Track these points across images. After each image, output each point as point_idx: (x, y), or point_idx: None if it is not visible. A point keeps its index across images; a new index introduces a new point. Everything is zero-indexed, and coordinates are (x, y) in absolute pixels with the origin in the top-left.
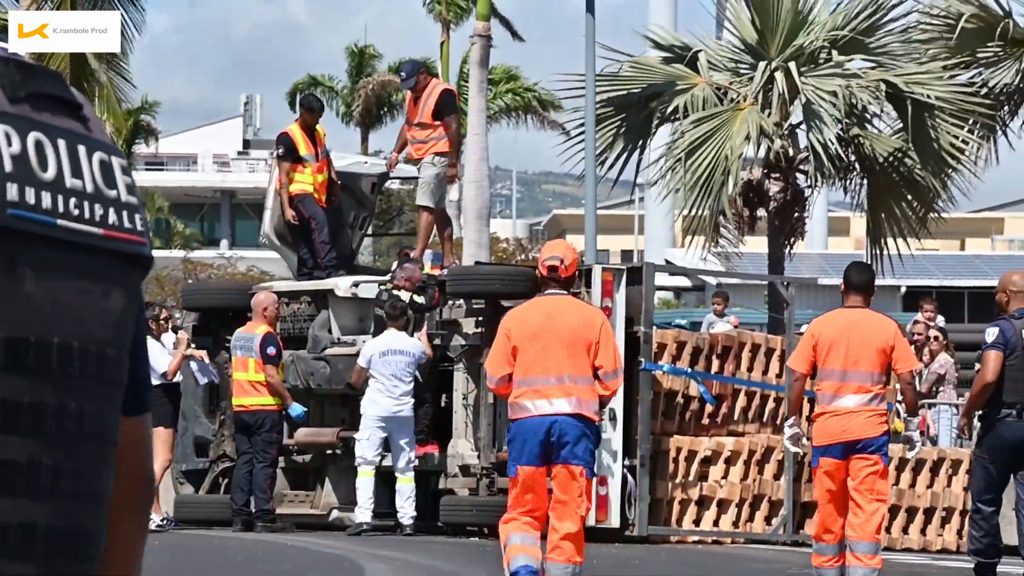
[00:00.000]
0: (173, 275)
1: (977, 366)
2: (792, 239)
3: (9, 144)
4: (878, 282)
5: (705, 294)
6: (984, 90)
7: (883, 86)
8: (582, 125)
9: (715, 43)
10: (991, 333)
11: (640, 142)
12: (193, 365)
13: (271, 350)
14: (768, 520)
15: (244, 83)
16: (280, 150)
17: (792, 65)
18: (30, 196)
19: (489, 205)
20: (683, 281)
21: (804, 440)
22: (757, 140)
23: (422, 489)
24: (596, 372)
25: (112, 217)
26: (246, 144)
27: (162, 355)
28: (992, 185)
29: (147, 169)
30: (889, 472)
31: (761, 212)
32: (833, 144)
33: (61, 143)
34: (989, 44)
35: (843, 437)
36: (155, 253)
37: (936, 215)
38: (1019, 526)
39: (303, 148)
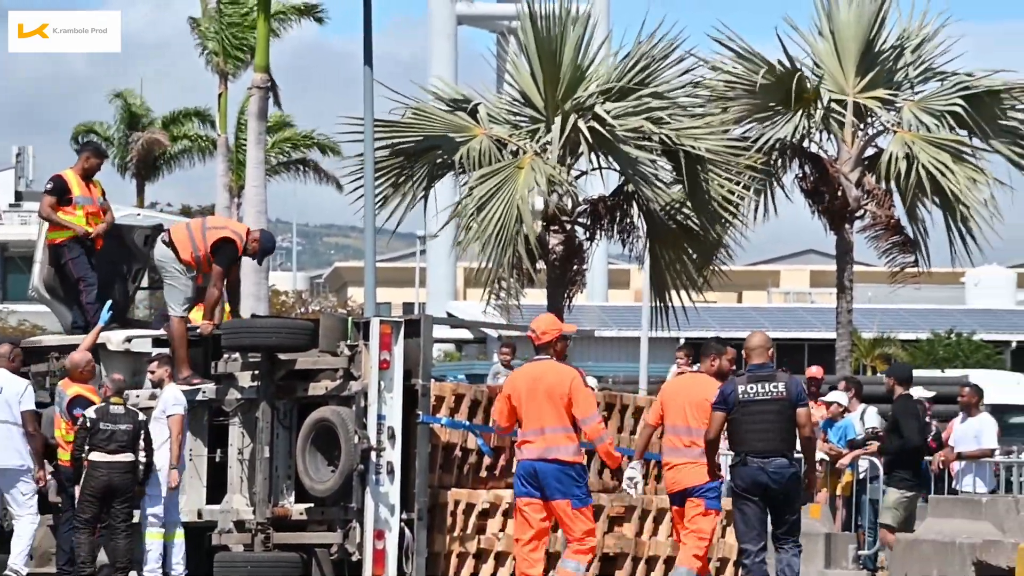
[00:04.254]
0: None
1: None
2: (571, 291)
3: None
4: (659, 335)
5: (487, 346)
6: (757, 144)
7: (659, 138)
8: (361, 171)
9: (495, 96)
10: (715, 394)
11: (421, 192)
12: None
13: (77, 411)
14: (546, 572)
15: (16, 134)
16: (48, 185)
17: (600, 109)
18: None
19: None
20: (465, 334)
21: (640, 484)
22: (548, 190)
23: (195, 545)
24: (575, 422)
25: None
26: (18, 196)
27: None
28: (768, 238)
29: None
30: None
31: (541, 264)
32: (654, 188)
33: None
34: (771, 104)
35: (674, 488)
36: None
37: (715, 268)
38: (777, 563)
39: (77, 190)
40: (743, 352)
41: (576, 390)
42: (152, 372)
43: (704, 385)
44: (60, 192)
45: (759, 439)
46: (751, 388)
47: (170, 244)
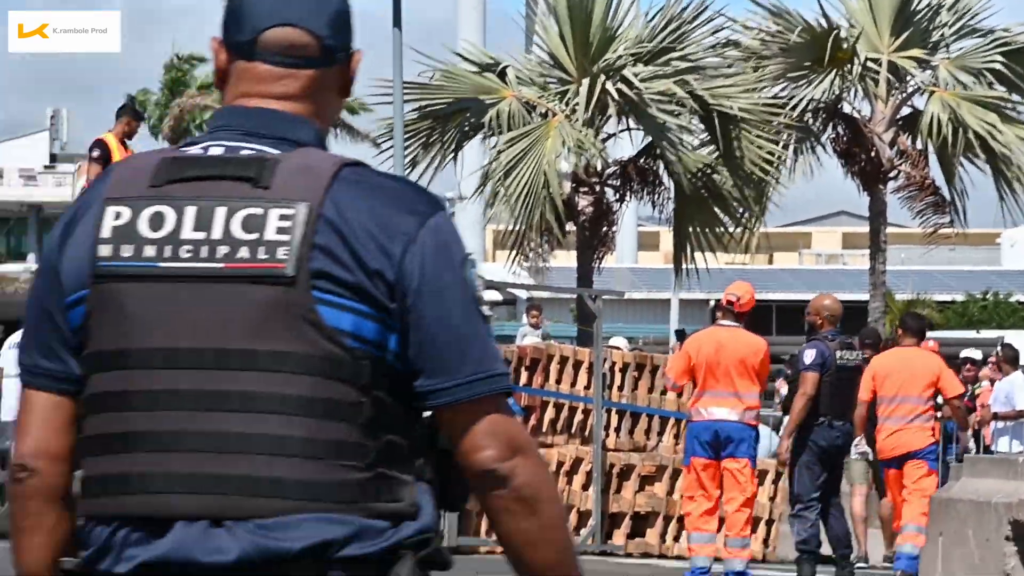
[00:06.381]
0: None
1: (778, 381)
2: (601, 253)
3: (116, 218)
4: (688, 296)
5: (516, 308)
6: (792, 104)
7: (690, 100)
8: (391, 134)
9: (524, 58)
10: (809, 355)
11: (450, 155)
12: None
13: None
14: (577, 530)
15: (49, 97)
16: (95, 152)
17: (628, 72)
18: (126, 251)
19: None
20: (494, 295)
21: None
22: (576, 153)
23: None
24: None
25: (241, 252)
26: (53, 158)
27: None
28: (800, 200)
29: None
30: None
31: (570, 226)
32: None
33: (190, 209)
34: (805, 64)
35: (896, 452)
36: None
37: (749, 230)
38: (828, 529)
39: (117, 155)
40: (814, 314)
41: (766, 364)
42: None
43: (928, 359)
44: (107, 160)
45: (843, 404)
46: (846, 355)
47: None
